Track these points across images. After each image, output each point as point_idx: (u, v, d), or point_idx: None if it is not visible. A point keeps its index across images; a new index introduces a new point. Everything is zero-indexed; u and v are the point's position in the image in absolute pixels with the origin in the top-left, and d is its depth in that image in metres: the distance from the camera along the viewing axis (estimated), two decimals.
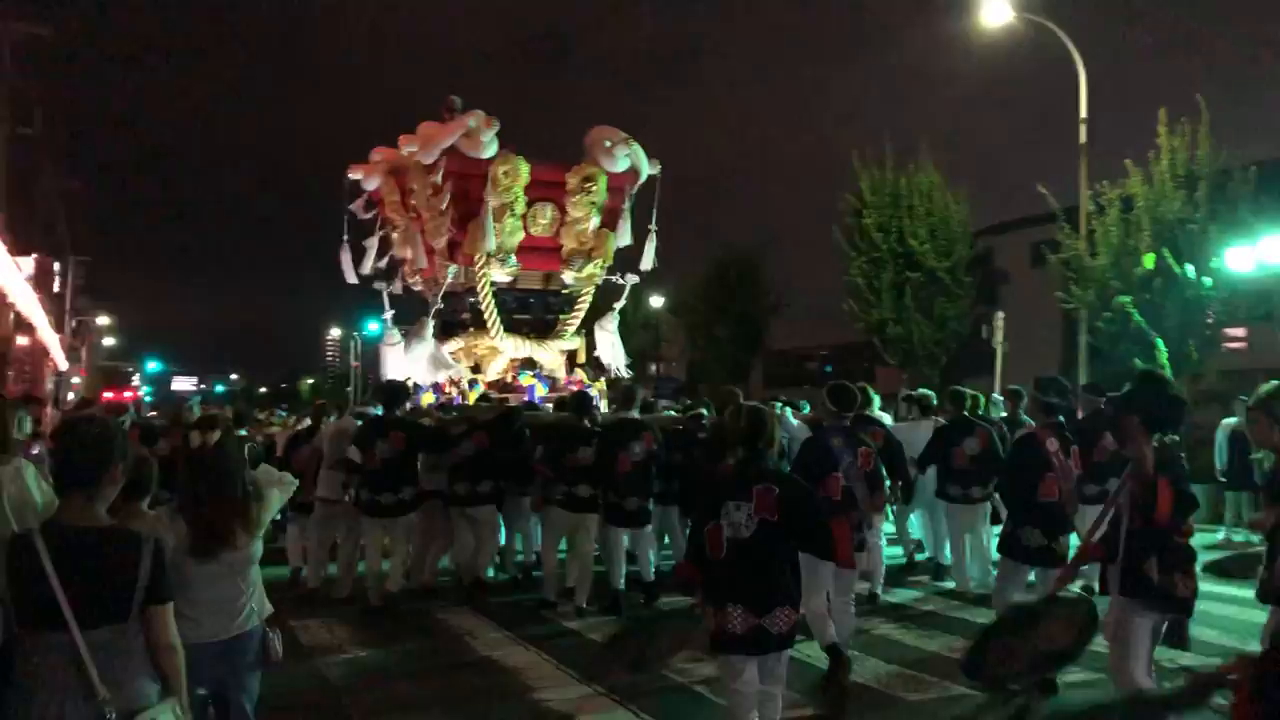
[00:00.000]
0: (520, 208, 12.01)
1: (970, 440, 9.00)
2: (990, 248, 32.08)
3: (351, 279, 13.05)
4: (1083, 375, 18.76)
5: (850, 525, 6.01)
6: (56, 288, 43.86)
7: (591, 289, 13.14)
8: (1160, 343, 16.76)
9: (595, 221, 12.54)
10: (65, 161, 36.28)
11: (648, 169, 12.77)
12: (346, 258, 12.90)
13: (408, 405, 10.11)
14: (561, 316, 13.04)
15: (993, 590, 7.27)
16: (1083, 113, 18.64)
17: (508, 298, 12.53)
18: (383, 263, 13.16)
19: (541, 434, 9.21)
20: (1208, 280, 16.67)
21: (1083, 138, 18.64)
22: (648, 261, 13.25)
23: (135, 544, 3.09)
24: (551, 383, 12.27)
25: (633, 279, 13.25)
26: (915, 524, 11.02)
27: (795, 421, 9.63)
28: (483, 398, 11.37)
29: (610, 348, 13.13)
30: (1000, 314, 19.71)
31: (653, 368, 45.66)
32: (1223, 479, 12.73)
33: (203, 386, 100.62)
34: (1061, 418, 7.04)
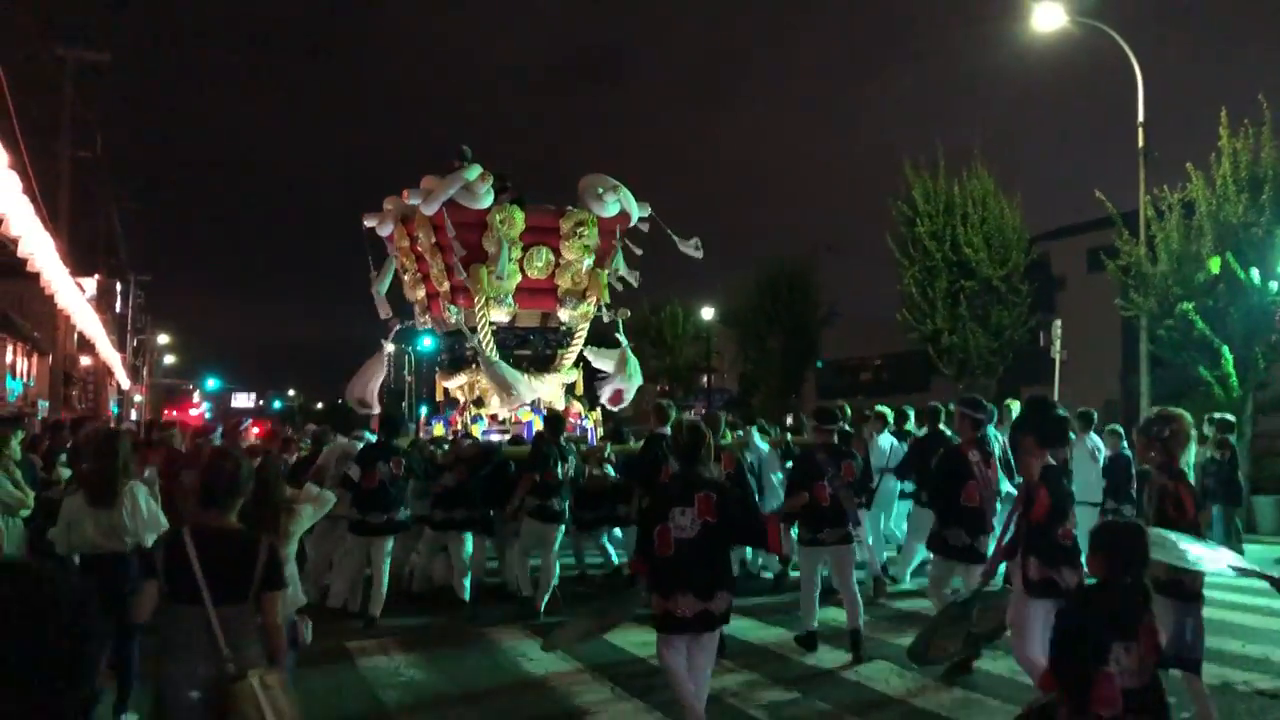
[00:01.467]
0: (516, 253, 13.03)
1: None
2: (1046, 253, 31.59)
3: (385, 314, 14.40)
4: (1144, 384, 18.38)
5: (787, 525, 7.53)
6: (118, 308, 44.79)
7: (587, 325, 14.19)
8: (1226, 350, 16.34)
9: (588, 263, 13.56)
10: (125, 184, 37.02)
11: (638, 211, 13.81)
12: (379, 295, 14.23)
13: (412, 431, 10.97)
14: (559, 351, 13.96)
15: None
16: (1140, 116, 18.30)
17: (508, 335, 13.56)
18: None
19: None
20: (1274, 285, 16.23)
21: (1141, 141, 18.30)
22: (632, 278, 14.23)
23: (255, 544, 4.01)
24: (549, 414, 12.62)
25: (625, 313, 14.50)
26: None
27: (764, 445, 10.98)
28: (465, 435, 11.93)
29: (620, 378, 14.03)
30: (1058, 322, 19.33)
31: (704, 380, 45.51)
32: None
33: (260, 403, 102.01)
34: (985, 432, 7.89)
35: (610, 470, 11.08)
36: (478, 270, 12.89)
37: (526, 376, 13.26)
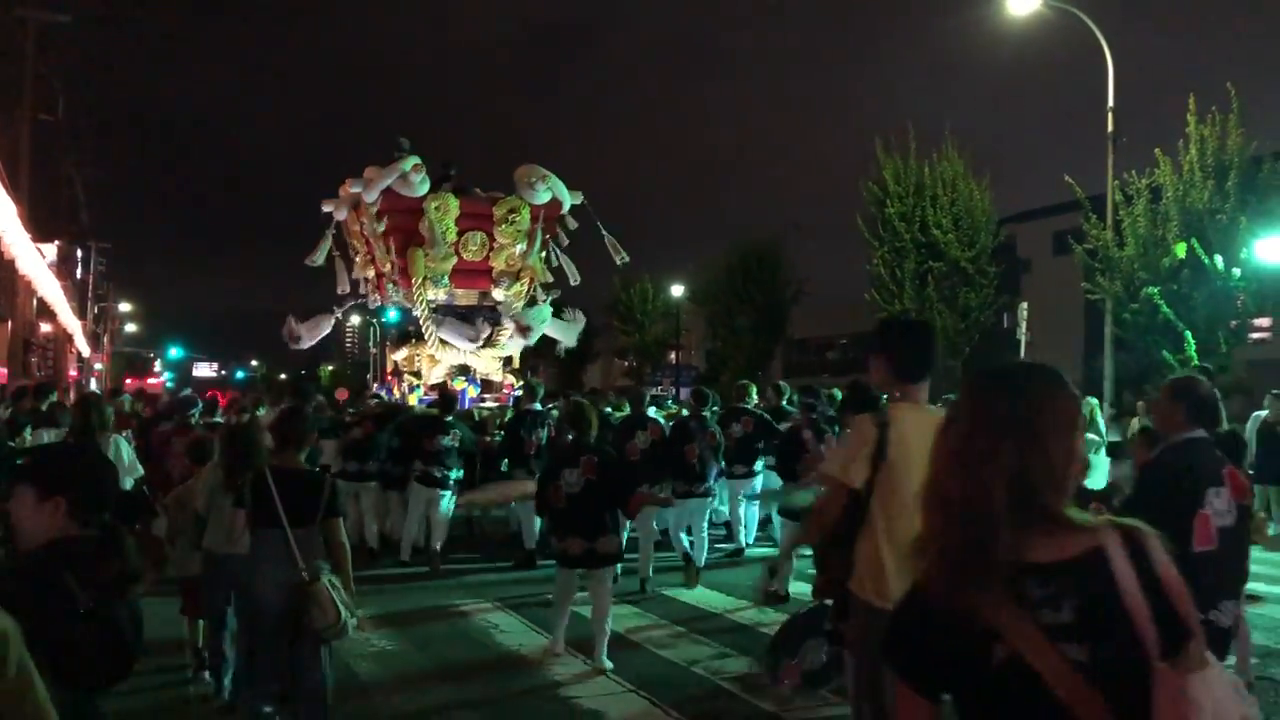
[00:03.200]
0: (451, 236, 14.16)
1: (736, 425, 10.68)
2: (1012, 236, 31.86)
3: (343, 288, 15.64)
4: (1108, 367, 18.62)
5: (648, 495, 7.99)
6: (79, 275, 44.13)
7: (521, 304, 15.06)
8: (1189, 334, 16.57)
9: (521, 246, 14.64)
10: (86, 148, 36.39)
11: (569, 199, 14.88)
12: (341, 272, 15.46)
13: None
14: (495, 328, 14.95)
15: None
16: (1110, 101, 18.43)
17: (447, 313, 14.72)
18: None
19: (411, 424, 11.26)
20: (1237, 271, 16.46)
21: (1110, 126, 18.44)
22: (619, 259, 15.60)
23: (320, 479, 5.10)
24: (485, 384, 14.63)
25: (555, 294, 15.82)
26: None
27: (659, 416, 12.14)
28: (376, 398, 13.62)
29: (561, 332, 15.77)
30: (1024, 304, 19.51)
31: (672, 356, 45.59)
32: (1252, 472, 12.60)
33: (223, 372, 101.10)
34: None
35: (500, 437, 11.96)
36: (414, 253, 14.04)
37: (460, 350, 14.62)
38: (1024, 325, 18.77)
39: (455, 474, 10.71)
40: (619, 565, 7.55)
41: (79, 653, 2.47)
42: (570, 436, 7.36)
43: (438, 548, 10.42)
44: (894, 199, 25.10)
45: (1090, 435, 14.21)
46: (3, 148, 21.38)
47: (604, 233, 15.18)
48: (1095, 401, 14.85)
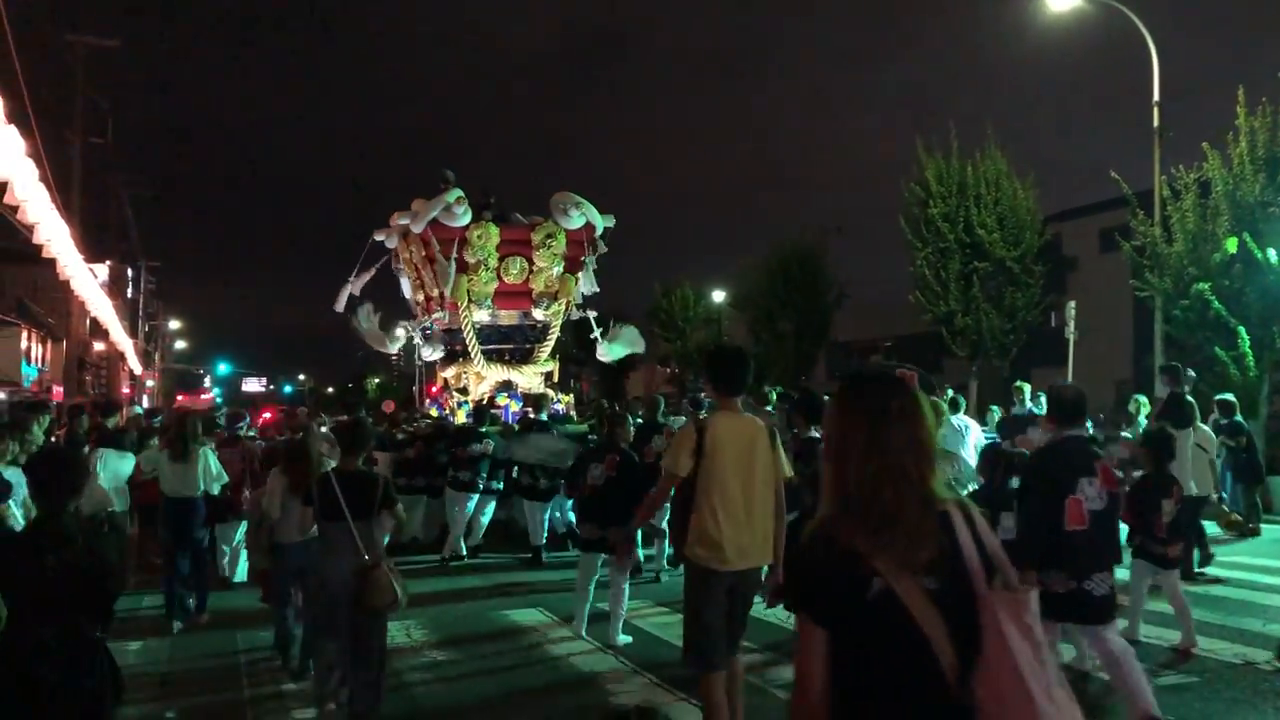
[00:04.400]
0: (493, 262, 15.40)
1: (658, 438, 11.02)
2: (1058, 234, 31.45)
3: (339, 308, 16.84)
4: (1158, 364, 18.30)
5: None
6: (130, 294, 44.90)
7: (559, 322, 16.36)
8: (1242, 330, 16.26)
9: (559, 269, 15.93)
10: (136, 170, 37.04)
11: (602, 222, 15.93)
12: (344, 292, 16.60)
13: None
14: (536, 346, 16.30)
15: None
16: (1155, 96, 18.19)
17: (491, 332, 16.00)
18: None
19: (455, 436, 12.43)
20: None
21: (1156, 121, 18.19)
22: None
23: (375, 480, 5.85)
24: (526, 398, 15.14)
25: (593, 313, 16.87)
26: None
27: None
28: (428, 418, 14.72)
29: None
30: (1072, 303, 19.24)
31: None
32: None
33: (271, 387, 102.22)
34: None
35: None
36: (459, 279, 15.23)
37: (506, 367, 15.90)
38: (1072, 324, 18.52)
39: (495, 483, 11.95)
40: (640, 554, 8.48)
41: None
42: (605, 437, 8.70)
43: (462, 543, 11.70)
44: (937, 199, 24.88)
45: (1126, 433, 13.91)
46: (54, 170, 21.81)
47: (597, 333, 16.66)
48: (1144, 399, 14.57)
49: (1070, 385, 5.82)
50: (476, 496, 11.77)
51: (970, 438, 11.11)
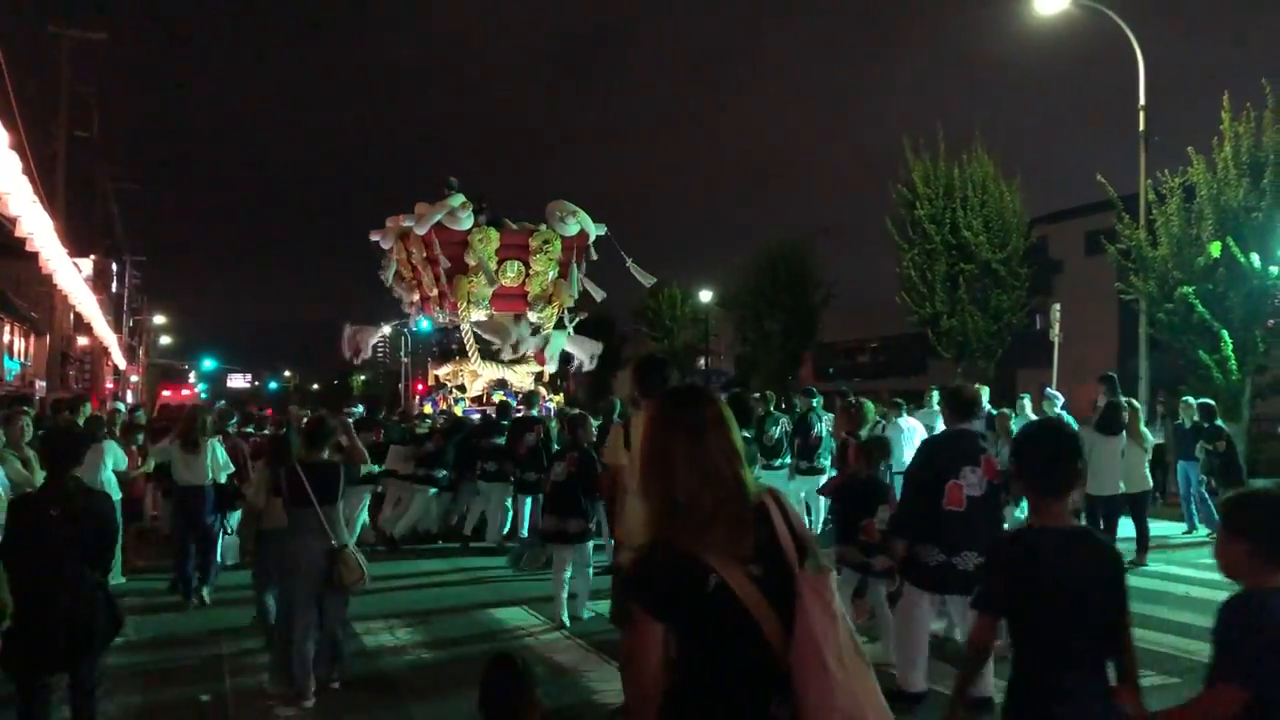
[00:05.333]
0: (492, 265, 16.07)
1: (530, 435, 11.94)
2: (1044, 236, 31.60)
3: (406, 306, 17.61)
4: (1143, 367, 18.41)
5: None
6: (114, 288, 44.67)
7: (552, 324, 17.08)
8: (1225, 334, 16.35)
9: (554, 273, 16.73)
10: (121, 164, 36.84)
11: (595, 230, 16.81)
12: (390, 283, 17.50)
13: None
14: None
15: None
16: (1141, 99, 18.26)
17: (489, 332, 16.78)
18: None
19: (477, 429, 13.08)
20: (1274, 269, 16.23)
21: (1142, 125, 18.26)
22: (598, 294, 17.55)
23: (338, 469, 6.50)
24: (519, 395, 15.78)
25: (581, 316, 17.85)
26: None
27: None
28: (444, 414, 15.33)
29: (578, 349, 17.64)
30: (1057, 305, 19.33)
31: (702, 361, 45.53)
32: None
33: (255, 384, 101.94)
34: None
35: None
36: (460, 280, 15.98)
37: (500, 366, 16.66)
38: (1057, 327, 18.62)
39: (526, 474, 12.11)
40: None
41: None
42: (569, 437, 9.34)
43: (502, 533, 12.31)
44: (923, 201, 24.94)
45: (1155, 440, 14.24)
46: (39, 164, 21.69)
47: (628, 261, 17.03)
48: (1138, 405, 14.57)
49: (968, 386, 6.77)
50: (508, 484, 12.30)
51: (915, 438, 11.46)
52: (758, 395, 14.99)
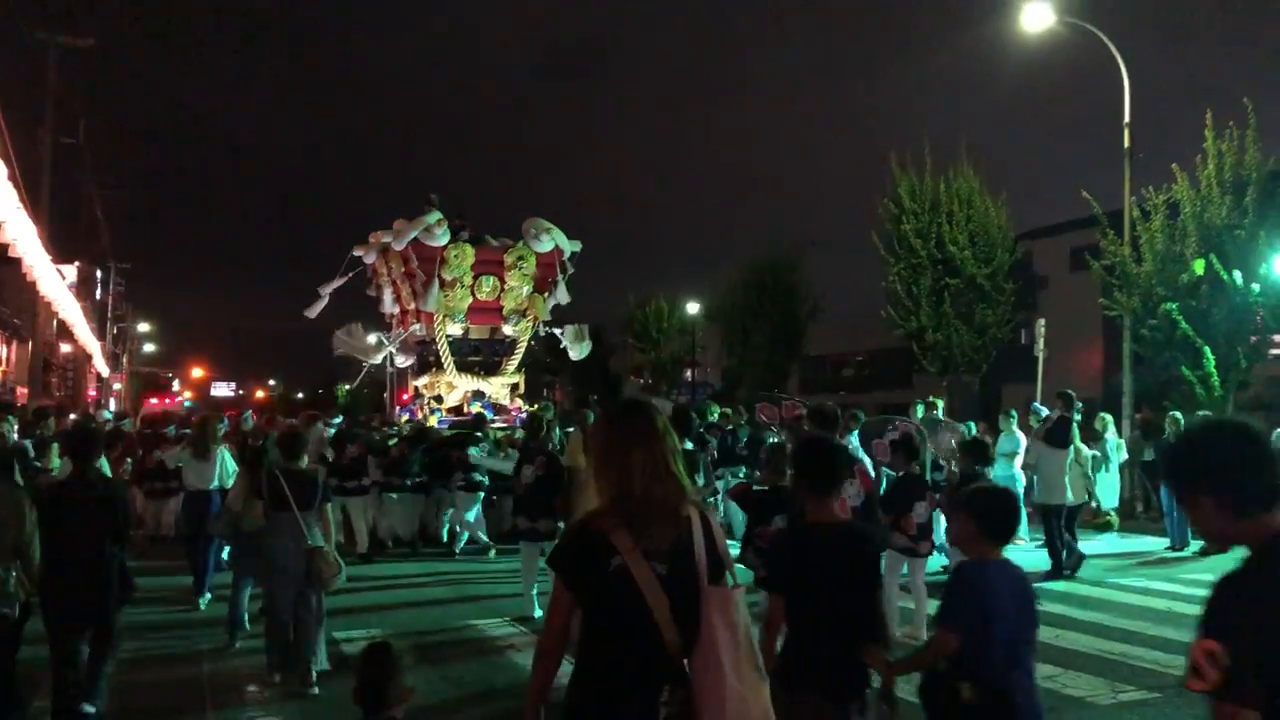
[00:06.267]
0: (468, 280, 16.70)
1: (528, 469, 12.06)
2: (1029, 252, 31.72)
3: (311, 315, 17.77)
4: (1126, 383, 18.50)
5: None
6: (98, 295, 44.43)
7: (526, 337, 17.73)
8: (1208, 350, 16.45)
9: (528, 288, 17.30)
10: (107, 169, 36.66)
11: (569, 246, 17.50)
12: (319, 303, 17.67)
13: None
14: (505, 358, 17.68)
15: None
16: (1126, 117, 18.38)
17: (463, 345, 17.32)
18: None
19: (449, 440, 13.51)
20: (1256, 287, 16.35)
21: (1126, 142, 18.38)
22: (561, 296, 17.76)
23: (317, 477, 7.13)
24: (496, 408, 16.64)
25: (559, 330, 18.43)
26: None
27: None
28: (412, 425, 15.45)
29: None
30: (1042, 321, 19.41)
31: (688, 373, 45.54)
32: None
33: (240, 392, 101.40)
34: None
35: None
36: (435, 294, 16.44)
37: (476, 377, 17.10)
38: (1041, 342, 18.69)
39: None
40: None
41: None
42: (532, 441, 10.06)
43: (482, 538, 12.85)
44: (909, 216, 25.03)
45: (1092, 451, 14.38)
46: (24, 170, 21.59)
47: (562, 284, 17.66)
48: (1109, 418, 14.89)
49: (829, 404, 7.19)
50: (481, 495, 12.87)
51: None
52: (728, 410, 16.09)
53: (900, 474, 8.79)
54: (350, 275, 17.81)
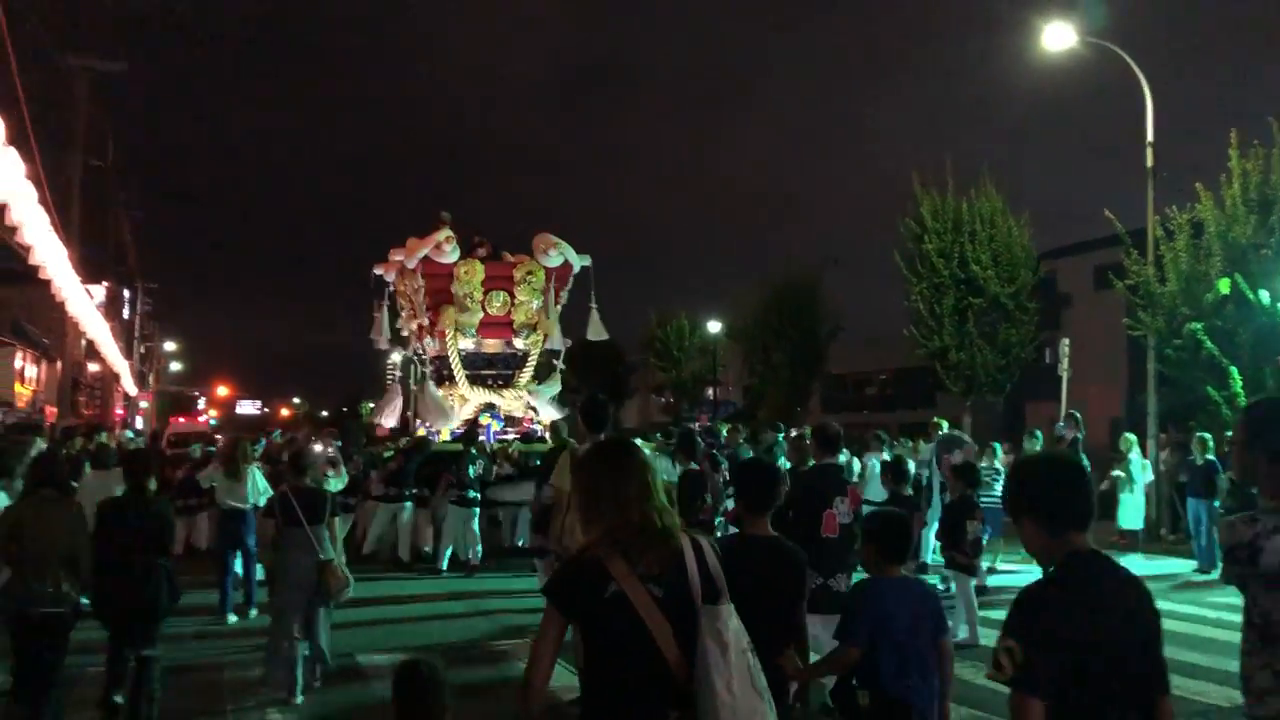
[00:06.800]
0: (478, 295, 17.17)
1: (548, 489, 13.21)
2: (1053, 271, 31.59)
3: (383, 345, 18.85)
4: (1151, 403, 18.35)
5: None
6: (126, 315, 44.87)
7: (537, 351, 17.99)
8: (1234, 370, 16.32)
9: (538, 303, 17.70)
10: (134, 191, 37.07)
11: (579, 261, 17.86)
12: (382, 326, 18.35)
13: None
14: (517, 371, 17.91)
15: None
16: (1149, 136, 18.30)
17: (477, 359, 17.65)
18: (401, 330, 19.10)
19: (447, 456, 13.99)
20: None
21: (1150, 161, 18.30)
22: (593, 333, 18.79)
23: (326, 495, 7.64)
24: (508, 420, 17.42)
25: (567, 343, 18.70)
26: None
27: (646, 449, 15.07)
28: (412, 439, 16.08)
29: (547, 407, 17.85)
30: (1066, 340, 19.30)
31: (709, 392, 45.54)
32: None
33: (265, 410, 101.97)
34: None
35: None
36: (447, 310, 17.05)
37: (488, 390, 17.51)
38: (1065, 361, 18.58)
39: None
40: None
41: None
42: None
43: (472, 557, 13.12)
44: (932, 235, 24.98)
45: (1117, 471, 14.56)
46: (54, 192, 21.89)
47: (593, 305, 18.36)
48: (1133, 438, 14.83)
49: (831, 424, 7.22)
50: (476, 512, 13.35)
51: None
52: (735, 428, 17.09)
53: (956, 497, 9.82)
54: (385, 294, 18.47)
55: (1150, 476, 15.79)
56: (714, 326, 42.34)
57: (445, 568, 13.06)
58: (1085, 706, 2.55)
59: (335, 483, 11.00)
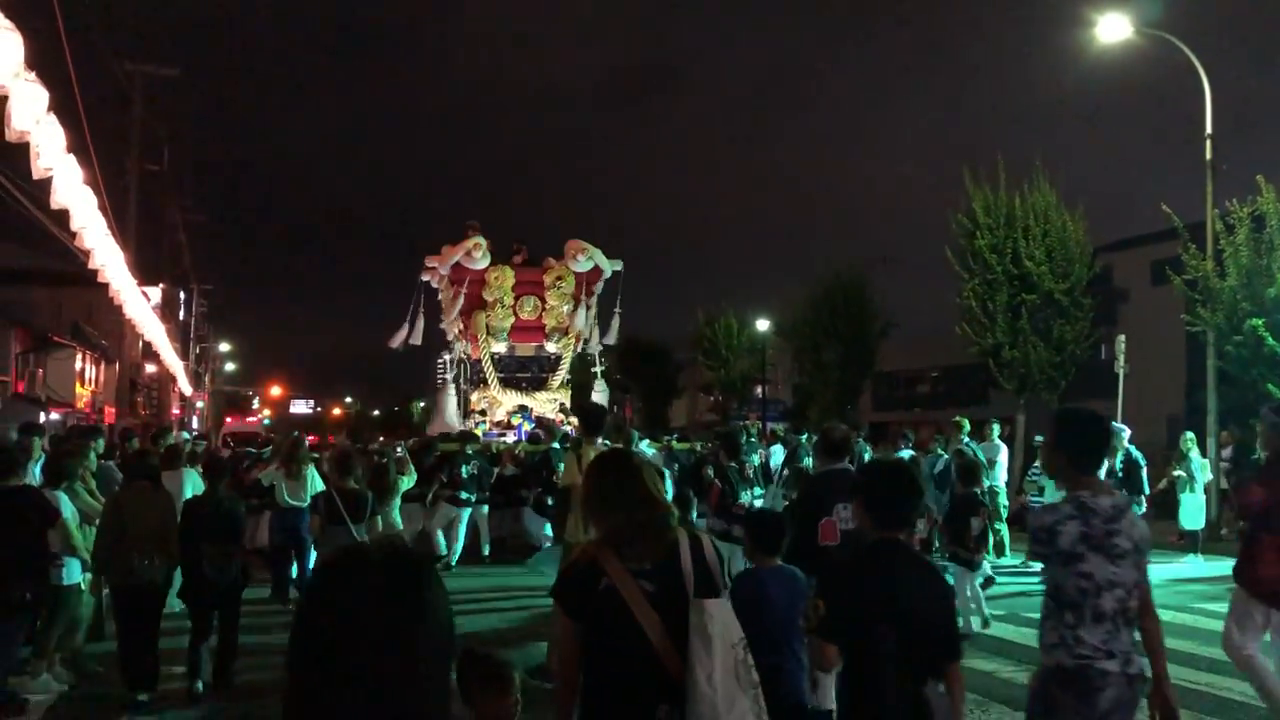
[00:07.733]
0: (509, 300, 17.88)
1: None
2: (1108, 266, 31.02)
3: (394, 344, 18.63)
4: (1211, 401, 17.98)
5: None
6: (181, 316, 45.60)
7: (569, 355, 18.74)
8: None
9: (569, 307, 18.35)
10: (189, 194, 37.64)
11: (609, 266, 18.40)
12: (404, 332, 18.45)
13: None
14: (549, 375, 18.63)
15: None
16: (1208, 128, 17.94)
17: (510, 362, 18.47)
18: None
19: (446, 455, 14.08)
20: None
21: (1209, 154, 17.93)
22: (612, 337, 19.39)
23: (366, 494, 7.98)
24: (540, 421, 17.40)
25: (597, 345, 19.29)
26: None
27: (650, 450, 15.10)
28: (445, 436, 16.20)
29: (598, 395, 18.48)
30: (1122, 336, 18.97)
31: (759, 391, 45.34)
32: None
33: (318, 410, 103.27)
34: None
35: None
36: (479, 315, 17.80)
37: (521, 392, 18.23)
38: (1122, 358, 18.27)
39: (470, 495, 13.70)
40: None
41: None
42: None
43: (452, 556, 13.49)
44: (984, 231, 24.59)
45: (1177, 471, 14.32)
46: (111, 196, 22.28)
47: (618, 310, 18.94)
48: (1192, 437, 14.55)
49: (839, 427, 7.05)
50: (468, 512, 13.76)
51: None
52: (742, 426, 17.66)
53: (959, 495, 10.28)
54: (423, 312, 18.92)
55: (1210, 475, 15.46)
56: (763, 324, 42.09)
57: (455, 563, 13.48)
58: (876, 655, 3.19)
59: (406, 481, 11.36)
